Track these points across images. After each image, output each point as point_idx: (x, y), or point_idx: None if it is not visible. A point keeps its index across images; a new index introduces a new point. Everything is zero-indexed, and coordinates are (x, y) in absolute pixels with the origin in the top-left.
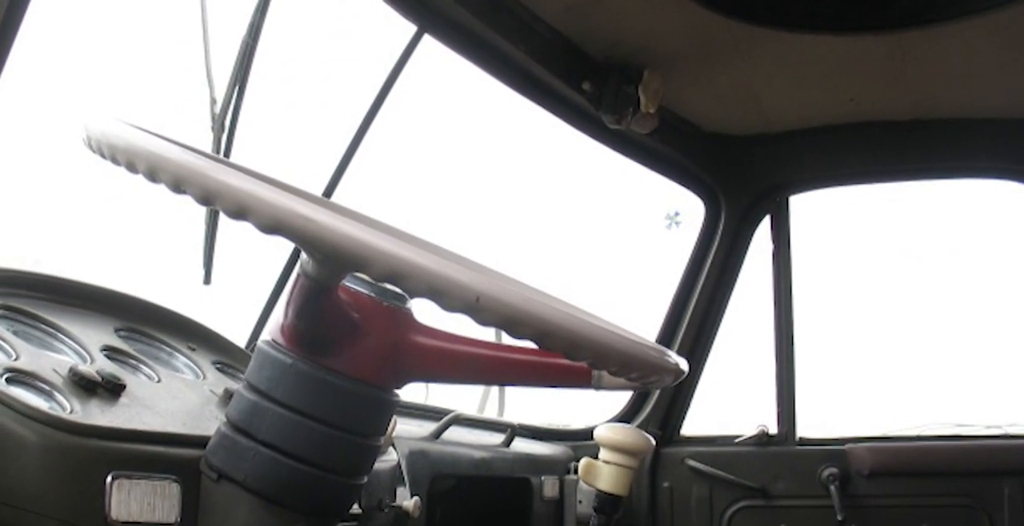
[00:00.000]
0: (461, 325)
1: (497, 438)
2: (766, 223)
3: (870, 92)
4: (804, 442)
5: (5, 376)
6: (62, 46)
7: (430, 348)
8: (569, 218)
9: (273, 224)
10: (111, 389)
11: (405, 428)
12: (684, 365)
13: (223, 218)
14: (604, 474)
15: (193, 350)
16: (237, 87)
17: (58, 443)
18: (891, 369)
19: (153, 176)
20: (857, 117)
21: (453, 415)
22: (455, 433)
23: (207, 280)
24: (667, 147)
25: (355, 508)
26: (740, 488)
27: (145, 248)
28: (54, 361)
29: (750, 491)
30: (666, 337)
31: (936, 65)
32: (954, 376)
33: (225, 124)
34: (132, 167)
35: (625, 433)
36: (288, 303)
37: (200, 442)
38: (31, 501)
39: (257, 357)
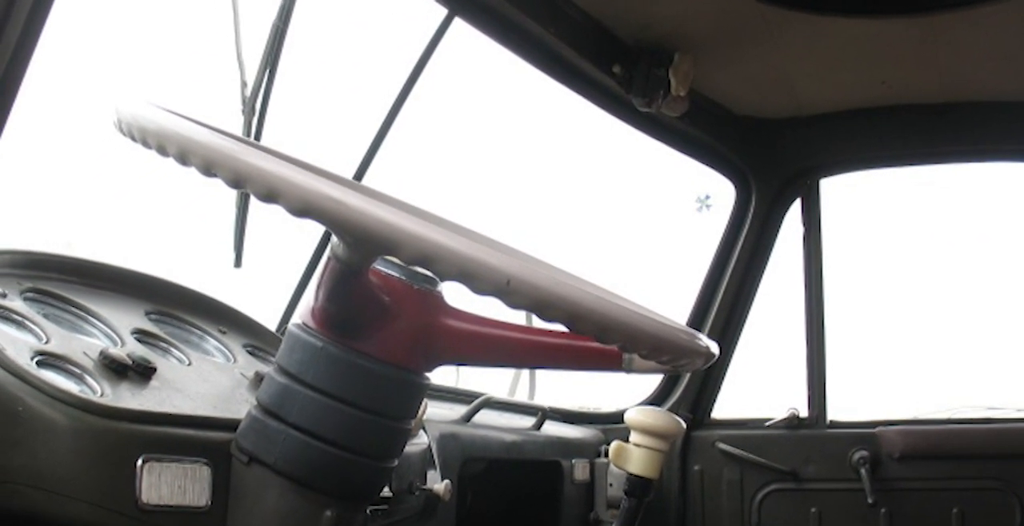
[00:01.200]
0: (492, 308)
1: (528, 421)
2: (797, 206)
3: (902, 75)
4: (835, 425)
5: (36, 359)
6: (94, 29)
7: (461, 331)
8: (600, 201)
9: (303, 207)
10: (142, 372)
11: (436, 411)
12: (715, 348)
13: (254, 201)
14: (635, 457)
15: (224, 333)
16: (268, 70)
17: (89, 426)
18: (922, 352)
19: (184, 159)
20: (889, 100)
21: (484, 398)
22: (486, 416)
23: (238, 263)
24: (698, 130)
25: (386, 491)
26: (771, 471)
27: (176, 231)
28: (85, 344)
29: (781, 474)
30: (697, 320)
31: (968, 48)
32: (985, 359)
33: (256, 107)
34: (163, 150)
35: (656, 416)
36: (319, 286)
37: (231, 425)
38: (61, 484)
39: (288, 340)
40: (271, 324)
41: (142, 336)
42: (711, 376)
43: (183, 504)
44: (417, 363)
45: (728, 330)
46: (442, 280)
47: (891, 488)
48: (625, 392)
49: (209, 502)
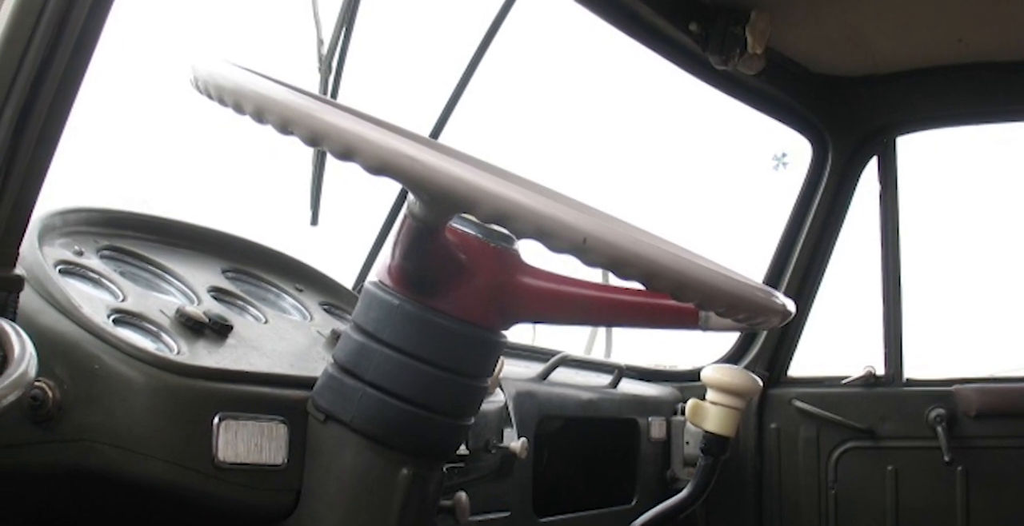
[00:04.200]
0: (568, 266)
1: (604, 379)
2: (873, 164)
3: (977, 33)
4: (911, 383)
5: (112, 317)
6: None
7: (537, 289)
8: (676, 160)
9: (380, 165)
10: (218, 330)
11: (512, 369)
12: (791, 306)
13: (330, 159)
14: (711, 415)
15: (300, 291)
16: (344, 27)
17: (165, 384)
18: (999, 310)
19: (260, 117)
20: (965, 58)
21: (560, 356)
22: (562, 374)
23: (314, 221)
24: (774, 88)
25: (462, 449)
26: (847, 429)
27: (253, 189)
28: (161, 302)
29: (857, 432)
30: (773, 278)
31: None
32: None
33: (332, 65)
34: (239, 108)
35: (732, 374)
36: (395, 244)
37: (307, 383)
38: (138, 442)
39: (364, 298)
40: (347, 282)
41: (218, 294)
42: (787, 334)
43: (259, 462)
44: (493, 321)
45: (804, 288)
46: (518, 238)
47: (968, 446)
48: (701, 350)
49: (285, 460)
